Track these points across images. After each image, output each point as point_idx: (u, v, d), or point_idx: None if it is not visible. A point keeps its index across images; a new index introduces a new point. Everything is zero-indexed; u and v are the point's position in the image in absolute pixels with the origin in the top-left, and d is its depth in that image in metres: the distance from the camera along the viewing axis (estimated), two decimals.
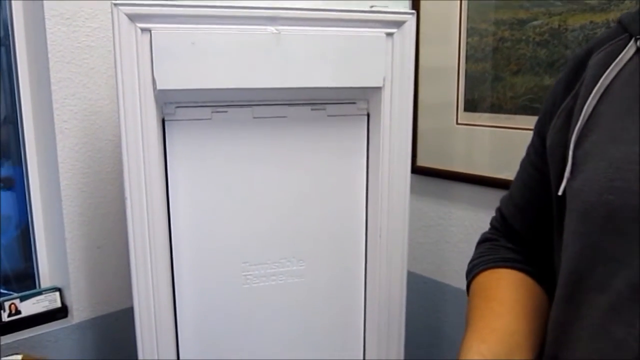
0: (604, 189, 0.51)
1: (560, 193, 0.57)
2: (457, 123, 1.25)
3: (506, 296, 0.68)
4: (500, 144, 1.18)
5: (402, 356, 1.00)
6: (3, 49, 1.20)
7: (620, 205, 0.49)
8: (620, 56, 0.56)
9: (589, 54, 0.61)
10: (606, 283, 0.51)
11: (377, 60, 0.88)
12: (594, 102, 0.56)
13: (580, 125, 0.56)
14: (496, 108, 1.17)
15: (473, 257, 0.74)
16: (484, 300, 0.68)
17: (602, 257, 0.51)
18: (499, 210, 0.73)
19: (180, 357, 0.91)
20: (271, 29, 0.82)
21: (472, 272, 0.73)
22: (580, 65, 0.61)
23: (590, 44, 0.63)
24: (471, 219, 1.27)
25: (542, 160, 0.65)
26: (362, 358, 1.00)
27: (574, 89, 0.61)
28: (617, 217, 0.50)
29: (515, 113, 1.13)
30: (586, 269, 0.53)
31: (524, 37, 1.09)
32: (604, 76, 0.56)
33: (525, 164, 0.70)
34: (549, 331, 0.61)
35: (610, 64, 0.56)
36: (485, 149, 1.21)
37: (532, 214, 0.68)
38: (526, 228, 0.69)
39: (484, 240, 0.75)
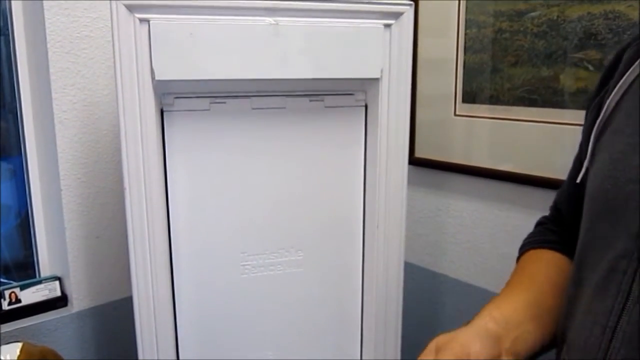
0: (604, 178, 0.55)
1: (578, 181, 0.61)
2: (455, 114, 1.25)
3: (539, 273, 0.72)
4: (498, 136, 1.18)
5: (398, 345, 1.01)
6: (2, 39, 1.20)
7: (614, 193, 0.53)
8: None
9: (623, 50, 0.64)
10: (597, 264, 0.55)
11: (375, 52, 0.88)
12: (617, 97, 0.59)
13: (602, 118, 0.60)
14: (494, 99, 1.17)
15: (524, 239, 0.79)
16: (517, 276, 0.73)
17: (598, 240, 0.56)
18: (555, 197, 0.78)
19: (179, 346, 0.92)
20: (269, 20, 0.82)
21: (519, 253, 0.77)
22: (616, 61, 0.64)
23: (628, 40, 0.65)
24: (469, 210, 1.27)
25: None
26: (359, 346, 1.01)
27: (607, 85, 0.63)
28: (611, 204, 0.54)
29: (513, 104, 1.13)
30: (587, 251, 0.58)
31: (522, 29, 1.09)
32: (628, 72, 0.58)
33: (577, 153, 0.72)
34: (562, 313, 0.63)
35: (637, 60, 0.58)
36: (483, 141, 1.22)
37: (574, 199, 0.69)
38: (570, 213, 0.71)
39: (537, 224, 0.79)
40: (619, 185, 0.53)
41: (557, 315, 0.66)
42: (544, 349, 0.66)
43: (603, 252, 0.54)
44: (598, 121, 0.60)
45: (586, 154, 0.63)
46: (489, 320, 0.66)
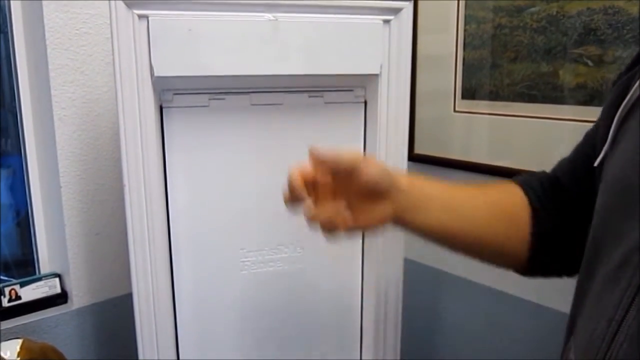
0: (626, 166, 0.53)
1: (596, 164, 0.58)
2: (455, 111, 1.25)
3: (484, 188, 0.76)
4: (498, 132, 1.18)
5: (398, 343, 1.01)
6: (1, 36, 1.20)
7: (634, 181, 0.51)
8: None
9: None
10: (609, 255, 0.53)
11: (374, 48, 0.88)
12: None
13: (629, 101, 0.57)
14: (494, 95, 1.17)
15: None
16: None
17: (613, 231, 0.54)
18: (556, 165, 0.77)
19: (179, 343, 0.92)
20: (268, 16, 0.82)
21: None
22: None
23: None
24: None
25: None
26: (359, 342, 1.01)
27: (637, 66, 0.61)
28: (629, 193, 0.51)
29: (513, 100, 1.13)
30: (601, 242, 0.56)
31: (521, 24, 1.09)
32: None
33: (591, 129, 0.71)
34: (572, 304, 0.63)
35: None
36: (483, 137, 1.22)
37: (579, 174, 0.69)
38: (572, 186, 0.71)
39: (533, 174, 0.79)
40: (637, 173, 0.50)
41: (470, 216, 0.71)
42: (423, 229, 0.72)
43: (616, 243, 0.52)
44: (623, 104, 0.56)
45: (605, 135, 0.59)
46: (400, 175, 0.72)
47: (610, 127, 0.59)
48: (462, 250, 0.76)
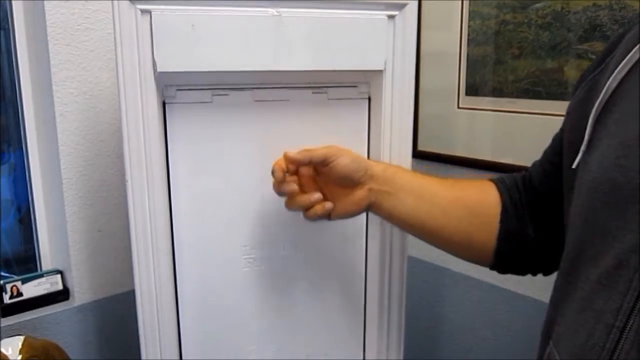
0: (610, 166, 0.52)
1: (574, 166, 0.58)
2: (459, 107, 1.25)
3: (459, 182, 0.81)
4: (502, 128, 1.18)
5: (402, 339, 1.01)
6: (2, 32, 1.19)
7: (623, 182, 0.50)
8: None
9: (626, 31, 0.62)
10: (599, 257, 0.52)
11: (379, 43, 0.88)
12: (619, 77, 0.56)
13: (602, 99, 0.56)
14: (498, 92, 1.16)
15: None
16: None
17: (600, 232, 0.52)
18: (530, 168, 0.79)
19: (181, 339, 0.91)
20: (272, 11, 0.82)
21: None
22: (617, 41, 0.62)
23: (634, 20, 0.64)
24: None
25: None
26: (362, 339, 1.01)
27: (603, 63, 0.61)
28: (618, 194, 0.50)
29: (517, 97, 1.13)
30: (585, 243, 0.55)
31: (526, 20, 1.09)
32: (632, 52, 0.55)
33: (558, 131, 0.73)
34: (549, 303, 0.63)
35: None
36: (487, 133, 1.21)
37: (550, 177, 0.71)
38: (544, 189, 0.73)
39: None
40: (629, 175, 0.50)
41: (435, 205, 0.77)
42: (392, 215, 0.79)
43: (607, 245, 0.51)
44: (597, 104, 0.56)
45: (576, 135, 0.59)
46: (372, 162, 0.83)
47: (582, 127, 0.59)
48: (431, 239, 0.80)
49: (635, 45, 0.56)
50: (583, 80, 0.64)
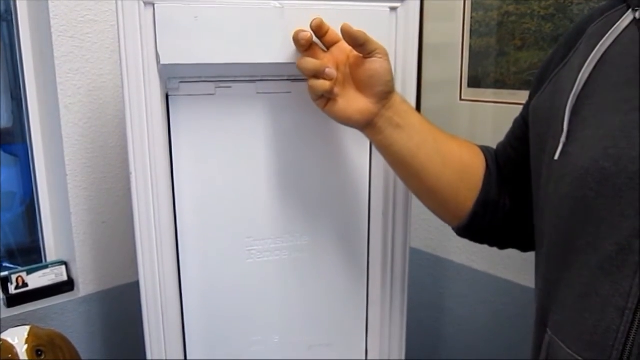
0: (599, 156, 0.53)
1: (556, 157, 0.59)
2: (461, 99, 1.25)
3: (456, 138, 0.81)
4: (504, 120, 1.17)
5: (404, 330, 1.01)
6: (5, 24, 1.19)
7: (615, 171, 0.51)
8: (616, 25, 0.58)
9: (586, 24, 0.64)
10: (597, 244, 0.53)
11: (381, 35, 0.87)
12: (589, 70, 0.58)
13: (576, 92, 0.58)
14: (500, 84, 1.16)
15: None
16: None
17: (594, 220, 0.54)
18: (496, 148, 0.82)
19: (185, 330, 0.92)
20: (275, 3, 0.82)
21: None
22: (576, 35, 0.64)
23: (588, 15, 0.65)
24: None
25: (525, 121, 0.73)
26: (364, 332, 1.02)
27: (567, 57, 0.63)
28: (611, 183, 0.52)
29: (519, 89, 1.13)
30: (577, 230, 0.56)
31: (529, 11, 1.08)
32: (599, 44, 0.57)
33: (517, 117, 0.78)
34: (539, 295, 0.64)
35: (607, 33, 0.58)
36: (489, 125, 1.21)
37: (513, 162, 0.76)
38: (508, 172, 0.78)
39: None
40: (620, 164, 0.51)
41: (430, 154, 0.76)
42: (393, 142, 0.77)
43: (603, 233, 0.52)
44: (571, 96, 0.58)
45: (551, 127, 0.61)
46: None
47: (553, 119, 0.61)
48: (419, 184, 0.80)
49: (600, 39, 0.58)
50: (546, 75, 0.67)
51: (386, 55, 0.75)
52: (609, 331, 0.52)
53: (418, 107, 1.29)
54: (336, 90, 0.75)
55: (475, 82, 1.21)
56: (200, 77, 0.85)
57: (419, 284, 1.38)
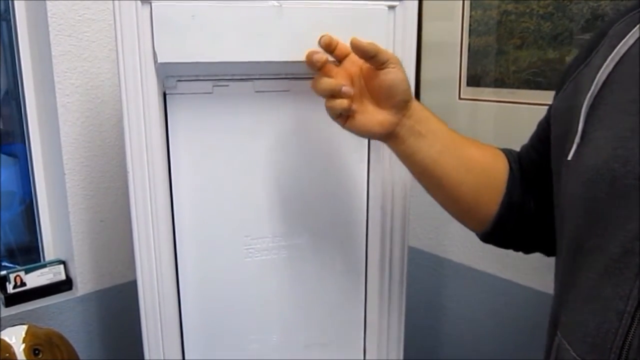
0: (609, 157, 0.53)
1: (570, 158, 0.58)
2: (460, 98, 1.24)
3: (477, 143, 0.79)
4: (503, 119, 1.18)
5: (402, 330, 1.01)
6: (4, 23, 1.19)
7: (623, 172, 0.51)
8: (638, 26, 0.57)
9: (610, 25, 0.63)
10: (603, 246, 0.53)
11: (379, 34, 0.87)
12: (608, 70, 0.57)
13: (593, 92, 0.57)
14: (499, 83, 1.16)
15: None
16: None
17: (603, 222, 0.53)
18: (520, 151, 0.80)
19: (183, 329, 0.92)
20: (273, 1, 0.81)
21: None
22: (600, 36, 0.63)
23: (614, 15, 0.65)
24: None
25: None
26: (362, 331, 1.02)
27: (589, 58, 0.63)
28: (619, 184, 0.52)
29: (519, 87, 1.13)
30: (587, 232, 0.56)
31: (527, 10, 1.08)
32: (619, 45, 0.57)
33: (541, 119, 0.75)
34: (553, 298, 0.64)
35: (628, 34, 0.57)
36: (488, 124, 1.21)
37: (537, 165, 0.74)
38: (531, 174, 0.75)
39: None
40: (629, 165, 0.51)
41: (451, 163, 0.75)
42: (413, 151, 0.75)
43: (611, 234, 0.52)
44: (588, 96, 0.58)
45: (567, 128, 0.61)
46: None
47: (570, 120, 0.60)
48: (442, 192, 0.78)
49: (621, 40, 0.57)
50: (568, 75, 0.66)
51: (399, 64, 0.74)
52: (609, 334, 0.51)
53: None
54: (354, 106, 0.74)
55: (474, 81, 1.21)
56: (197, 75, 0.85)
57: (417, 283, 1.38)
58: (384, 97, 0.74)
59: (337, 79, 0.75)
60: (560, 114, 0.65)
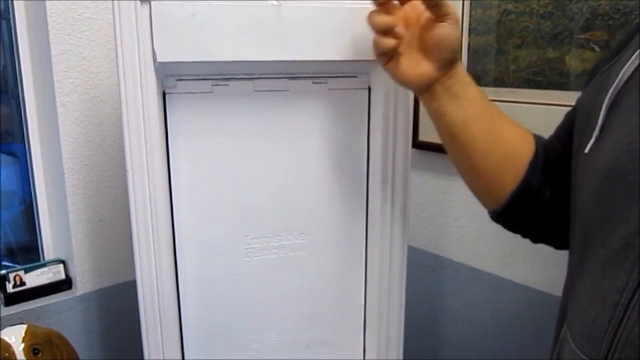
0: (622, 151, 0.53)
1: (587, 151, 0.59)
2: None
3: (511, 122, 0.78)
4: None
5: (402, 329, 1.01)
6: (3, 22, 1.19)
7: (631, 167, 0.52)
8: None
9: None
10: (606, 239, 0.54)
11: None
12: (634, 65, 0.57)
13: (616, 87, 0.57)
14: (499, 82, 1.16)
15: None
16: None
17: (608, 215, 0.54)
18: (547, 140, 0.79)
19: (183, 328, 0.92)
20: (272, 1, 0.81)
21: None
22: (633, 32, 0.63)
23: None
24: (472, 194, 1.27)
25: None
26: (362, 330, 1.02)
27: (619, 54, 0.62)
28: (625, 178, 0.52)
29: (518, 87, 1.12)
30: (595, 226, 0.56)
31: (527, 10, 1.08)
32: None
33: (569, 110, 0.74)
34: (564, 287, 0.65)
35: None
36: None
37: (562, 157, 0.72)
38: (556, 164, 0.74)
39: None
40: (637, 160, 0.51)
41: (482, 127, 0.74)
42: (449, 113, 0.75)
43: (614, 227, 0.53)
44: (611, 91, 0.58)
45: (590, 122, 0.61)
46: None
47: (593, 114, 0.60)
48: (465, 160, 0.78)
49: None
50: (597, 71, 0.66)
51: (457, 23, 0.73)
52: (602, 325, 0.52)
53: (416, 105, 1.28)
54: (401, 49, 0.74)
55: (474, 80, 1.21)
56: (197, 75, 0.85)
57: (417, 283, 1.38)
58: (433, 49, 0.73)
59: (393, 19, 0.73)
60: (583, 108, 0.65)
